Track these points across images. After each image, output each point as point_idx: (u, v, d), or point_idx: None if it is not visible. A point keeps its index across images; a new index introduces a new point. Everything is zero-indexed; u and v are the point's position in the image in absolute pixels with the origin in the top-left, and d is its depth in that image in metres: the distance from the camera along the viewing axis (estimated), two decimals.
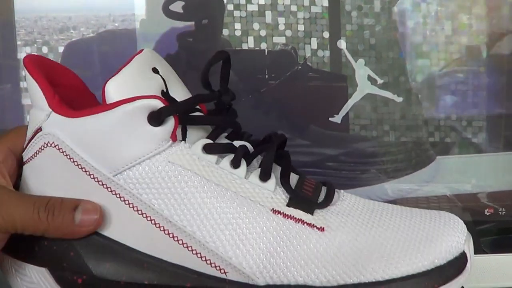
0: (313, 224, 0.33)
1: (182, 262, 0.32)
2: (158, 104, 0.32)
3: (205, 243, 0.32)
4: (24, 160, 0.37)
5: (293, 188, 0.34)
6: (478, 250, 0.69)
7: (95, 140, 0.33)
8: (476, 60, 0.70)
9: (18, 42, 0.67)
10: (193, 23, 0.66)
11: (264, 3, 0.67)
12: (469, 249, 0.35)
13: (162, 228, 0.32)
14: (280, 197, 0.34)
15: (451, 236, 0.34)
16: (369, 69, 0.67)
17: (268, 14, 0.67)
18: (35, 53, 0.67)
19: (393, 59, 0.68)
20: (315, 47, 0.68)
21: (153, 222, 0.32)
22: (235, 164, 0.34)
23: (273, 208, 0.33)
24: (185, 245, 0.32)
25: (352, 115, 0.68)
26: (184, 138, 0.34)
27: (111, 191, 0.33)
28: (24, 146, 0.37)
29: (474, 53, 0.70)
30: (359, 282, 0.31)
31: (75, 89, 0.39)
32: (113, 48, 0.68)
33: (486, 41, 0.69)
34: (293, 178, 0.35)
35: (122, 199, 0.33)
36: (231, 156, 0.34)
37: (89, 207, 0.33)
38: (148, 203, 0.32)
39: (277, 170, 0.35)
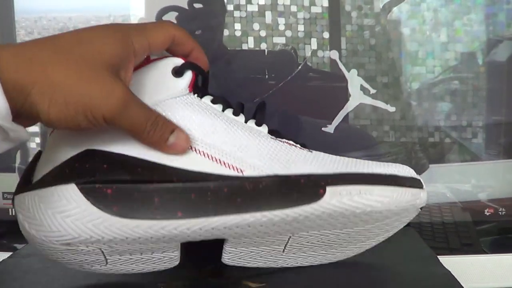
0: (299, 147, 0.42)
1: (204, 169, 0.38)
2: (180, 61, 0.41)
3: (224, 149, 0.39)
4: None
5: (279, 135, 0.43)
6: (478, 250, 0.70)
7: (136, 87, 0.38)
8: (472, 67, 0.70)
9: (18, 42, 0.67)
10: None
11: (264, 3, 0.67)
12: (422, 180, 0.43)
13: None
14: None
15: (407, 169, 0.43)
16: (362, 79, 0.67)
17: (268, 14, 0.67)
18: None
19: (393, 60, 0.68)
20: (315, 48, 0.68)
21: None
22: (236, 113, 0.41)
23: (271, 137, 0.41)
24: (205, 155, 0.39)
25: (352, 115, 0.68)
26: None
27: None
28: None
29: (470, 60, 0.70)
30: (350, 172, 0.40)
31: None
32: None
33: (482, 48, 0.70)
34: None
35: None
36: (231, 109, 0.42)
37: (182, 136, 0.38)
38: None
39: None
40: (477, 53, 0.70)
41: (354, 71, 0.67)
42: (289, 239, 0.41)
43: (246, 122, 0.42)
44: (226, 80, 0.66)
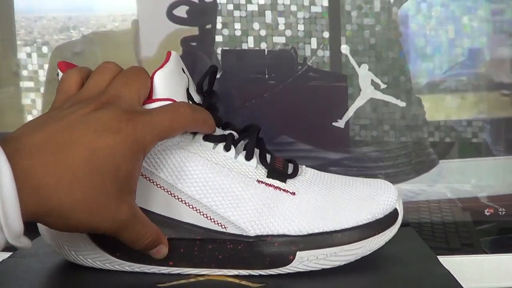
0: (287, 190, 0.44)
1: (193, 221, 0.42)
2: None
3: (210, 206, 0.42)
4: None
5: (269, 164, 0.45)
6: (478, 250, 0.70)
7: None
8: (479, 63, 0.70)
9: (18, 42, 0.67)
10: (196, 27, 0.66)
11: (264, 2, 0.67)
12: (399, 206, 0.45)
13: (177, 197, 0.42)
14: (261, 171, 0.44)
15: (386, 196, 0.44)
16: (372, 74, 0.67)
17: (268, 14, 0.67)
18: (35, 53, 0.67)
19: (393, 59, 0.68)
20: (315, 47, 0.67)
21: (169, 193, 0.42)
22: (227, 148, 0.44)
23: (257, 179, 0.43)
24: (194, 209, 0.42)
25: (352, 115, 0.68)
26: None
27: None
28: None
29: (477, 56, 0.70)
30: (321, 231, 0.43)
31: None
32: (109, 50, 0.68)
33: (489, 44, 0.69)
34: (267, 157, 0.46)
35: (144, 176, 0.42)
36: (223, 143, 0.44)
37: (163, 251, 0.41)
38: (165, 179, 0.42)
39: (256, 151, 0.46)
40: (484, 49, 0.70)
41: (364, 66, 0.67)
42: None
43: (236, 157, 0.44)
44: (226, 79, 0.66)
